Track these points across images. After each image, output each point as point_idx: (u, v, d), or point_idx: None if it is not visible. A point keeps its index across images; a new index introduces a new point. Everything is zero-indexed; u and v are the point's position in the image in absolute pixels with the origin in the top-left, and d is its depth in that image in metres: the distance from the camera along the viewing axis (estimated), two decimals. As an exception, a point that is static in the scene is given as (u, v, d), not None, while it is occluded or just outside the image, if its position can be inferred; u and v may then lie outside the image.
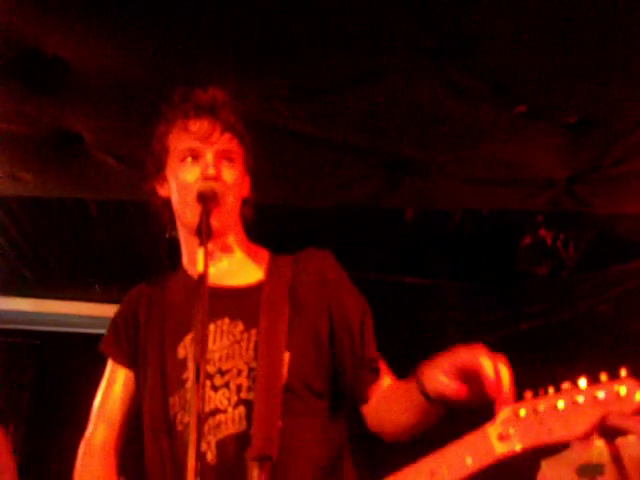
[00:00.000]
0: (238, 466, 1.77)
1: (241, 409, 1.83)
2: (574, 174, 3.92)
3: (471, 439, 1.47)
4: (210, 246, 1.92)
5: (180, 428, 1.87)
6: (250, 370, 1.87)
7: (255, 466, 1.74)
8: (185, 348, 1.95)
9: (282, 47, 2.94)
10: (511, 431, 1.39)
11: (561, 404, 1.34)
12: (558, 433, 1.34)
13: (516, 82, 3.20)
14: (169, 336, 2.00)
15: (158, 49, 2.99)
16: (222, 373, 1.88)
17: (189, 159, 1.97)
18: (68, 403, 5.20)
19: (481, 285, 4.84)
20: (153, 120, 2.09)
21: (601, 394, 1.30)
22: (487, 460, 1.43)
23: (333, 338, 1.95)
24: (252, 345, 1.89)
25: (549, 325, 4.65)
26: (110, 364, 2.14)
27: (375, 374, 1.93)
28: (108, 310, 5.27)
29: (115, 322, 2.16)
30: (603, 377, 1.32)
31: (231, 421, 1.83)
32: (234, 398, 1.85)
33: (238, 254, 2.07)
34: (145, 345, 2.03)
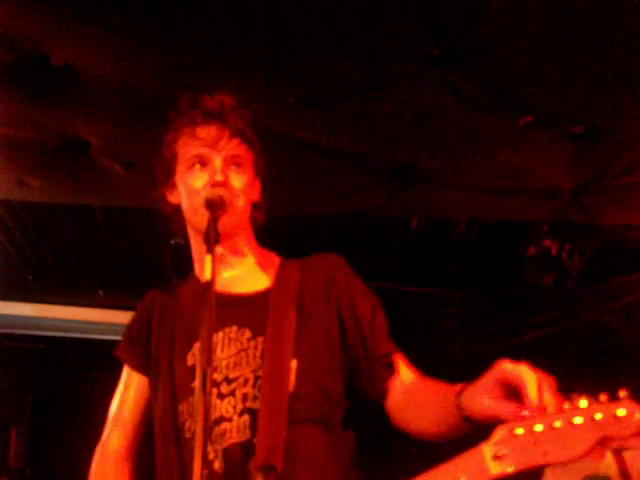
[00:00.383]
0: (245, 475, 1.76)
1: (246, 418, 1.82)
2: (579, 184, 3.92)
3: (466, 458, 1.42)
4: (220, 250, 1.95)
5: (188, 435, 1.87)
6: (256, 378, 1.85)
7: (259, 476, 1.73)
8: (194, 356, 1.95)
9: (288, 55, 2.95)
10: (505, 451, 1.34)
11: (558, 424, 1.30)
12: (553, 455, 1.30)
13: (522, 92, 3.20)
14: (179, 343, 1.99)
15: (165, 56, 2.99)
16: (229, 381, 1.87)
17: (197, 166, 1.97)
18: (70, 408, 5.21)
19: (486, 295, 4.83)
20: (160, 126, 2.09)
21: (599, 415, 1.27)
22: None
23: (345, 339, 1.92)
24: (259, 353, 1.88)
25: (554, 335, 4.64)
26: (126, 369, 2.14)
27: (389, 369, 1.88)
28: (111, 316, 5.33)
29: (129, 328, 2.17)
30: (602, 397, 1.29)
31: (236, 429, 1.82)
32: (239, 406, 1.84)
33: (248, 260, 2.07)
34: (157, 352, 2.03)
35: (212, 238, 1.70)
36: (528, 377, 1.42)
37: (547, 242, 4.57)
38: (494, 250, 4.65)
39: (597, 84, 3.10)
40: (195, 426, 1.83)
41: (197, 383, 1.53)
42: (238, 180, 1.97)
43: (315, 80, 3.11)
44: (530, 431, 1.32)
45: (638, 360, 4.40)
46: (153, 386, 2.02)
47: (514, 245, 4.65)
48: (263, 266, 2.07)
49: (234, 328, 1.93)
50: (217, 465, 1.81)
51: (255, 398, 1.83)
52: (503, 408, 1.45)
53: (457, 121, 3.39)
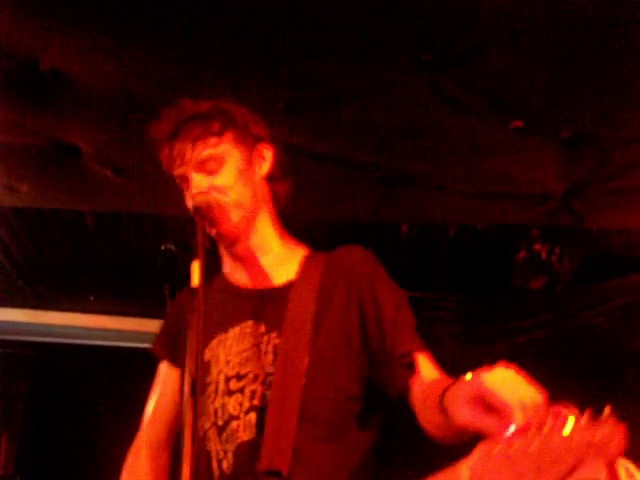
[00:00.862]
0: (252, 476, 1.72)
1: (252, 416, 1.78)
2: (569, 189, 3.93)
3: (444, 478, 1.36)
4: (235, 250, 1.96)
5: (201, 434, 1.83)
6: (266, 375, 1.81)
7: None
8: (211, 351, 1.92)
9: (279, 60, 2.95)
10: (483, 473, 1.24)
11: (534, 447, 1.20)
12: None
13: (512, 97, 3.20)
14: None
15: (155, 62, 2.99)
16: (239, 377, 1.84)
17: (184, 185, 1.97)
18: (63, 414, 5.20)
19: (476, 299, 4.84)
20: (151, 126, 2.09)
21: (576, 440, 1.17)
22: None
23: (365, 336, 1.85)
24: (271, 349, 1.83)
25: (544, 338, 4.66)
26: (161, 366, 2.12)
27: (409, 370, 1.78)
28: (102, 321, 5.32)
29: (163, 325, 2.17)
30: (584, 419, 1.19)
31: (242, 428, 1.78)
32: (246, 404, 1.80)
33: (271, 253, 2.01)
34: (184, 346, 2.02)
35: (200, 246, 1.68)
36: (507, 399, 1.29)
37: (537, 246, 4.59)
38: (484, 254, 4.66)
39: (586, 89, 3.11)
40: (207, 424, 1.83)
41: (186, 389, 1.54)
42: (219, 179, 1.93)
43: (305, 86, 3.11)
44: (507, 453, 1.22)
45: (627, 363, 4.42)
46: (180, 381, 1.98)
47: (504, 249, 4.66)
48: (287, 259, 2.01)
49: (250, 323, 1.90)
50: (225, 465, 1.78)
51: (263, 396, 1.79)
52: (483, 422, 1.34)
53: (447, 126, 3.40)
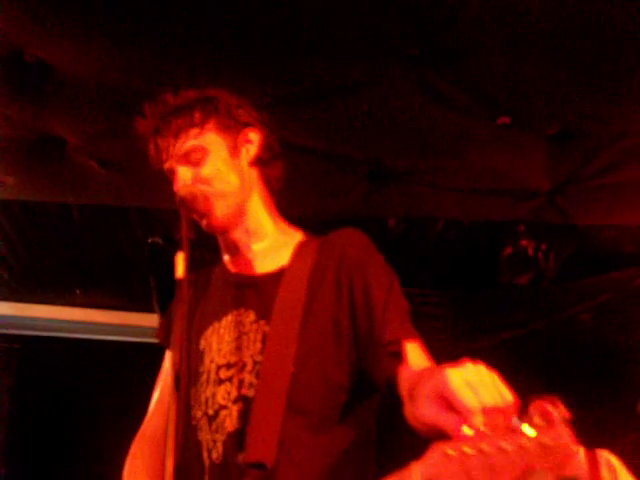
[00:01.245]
0: (239, 466, 1.70)
1: (240, 405, 1.76)
2: (555, 185, 3.94)
3: None
4: (227, 239, 1.96)
5: (194, 423, 1.83)
6: (255, 364, 1.78)
7: (247, 471, 1.67)
8: (205, 340, 1.91)
9: (265, 55, 2.94)
10: (436, 475, 1.18)
11: (486, 448, 1.15)
12: None
13: (500, 93, 3.21)
14: (196, 325, 1.95)
15: (141, 53, 2.98)
16: (229, 366, 1.82)
17: (173, 178, 1.96)
18: (48, 408, 5.18)
19: (463, 294, 4.85)
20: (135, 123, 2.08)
21: (527, 443, 1.12)
22: None
23: (355, 322, 1.79)
24: (259, 337, 1.81)
25: (530, 334, 4.67)
26: (167, 354, 2.09)
27: (396, 359, 1.71)
28: (89, 315, 5.30)
29: (166, 314, 2.11)
30: (536, 419, 1.13)
31: (229, 417, 1.76)
32: (234, 393, 1.78)
33: (264, 240, 1.99)
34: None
35: (184, 238, 1.67)
36: (467, 401, 1.23)
37: (524, 242, 4.60)
38: (471, 250, 4.67)
39: (573, 85, 3.12)
40: (200, 413, 1.82)
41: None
42: (203, 170, 1.92)
43: (292, 80, 3.11)
44: (461, 453, 1.17)
45: (613, 358, 4.44)
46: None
47: (491, 245, 4.67)
48: (282, 244, 1.98)
49: (241, 311, 1.88)
50: (215, 455, 1.76)
51: (251, 385, 1.77)
52: (441, 419, 1.28)
53: (435, 122, 3.40)
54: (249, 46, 2.90)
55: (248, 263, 1.98)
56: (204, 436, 1.81)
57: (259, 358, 1.78)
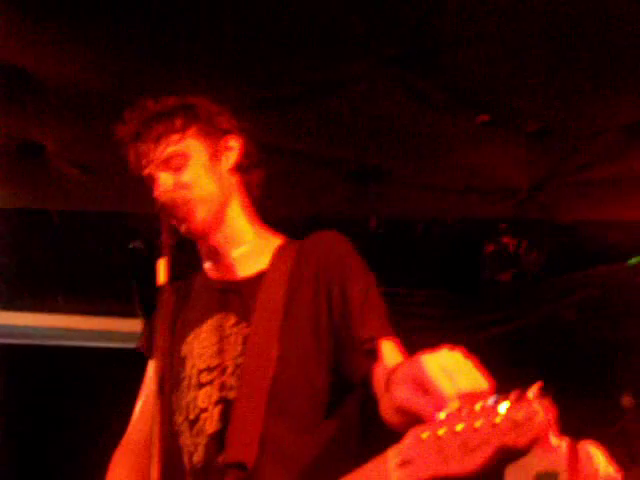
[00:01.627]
0: (221, 468, 1.70)
1: (220, 407, 1.77)
2: (536, 182, 3.96)
3: (371, 468, 1.30)
4: (206, 245, 1.96)
5: (175, 429, 1.83)
6: (236, 367, 1.79)
7: (228, 472, 1.68)
8: (187, 346, 1.91)
9: (245, 57, 2.94)
10: (411, 458, 1.20)
11: (459, 428, 1.16)
12: (452, 465, 1.15)
13: (478, 91, 3.22)
14: (178, 332, 1.95)
15: (122, 58, 2.97)
16: (210, 370, 1.82)
17: (153, 185, 1.95)
18: (32, 416, 5.15)
19: (447, 292, 4.87)
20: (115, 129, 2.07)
21: (498, 419, 1.13)
22: None
23: (332, 323, 1.80)
24: (240, 340, 1.82)
25: (513, 331, 4.69)
26: (150, 363, 2.09)
27: (371, 357, 1.71)
28: (71, 321, 5.27)
29: (149, 322, 2.10)
30: (511, 397, 1.14)
31: (210, 420, 1.77)
32: (215, 396, 1.79)
33: (243, 245, 1.99)
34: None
35: (165, 243, 1.67)
36: (443, 388, 1.25)
37: (505, 239, 4.62)
38: (453, 248, 4.69)
39: (552, 82, 3.14)
40: (181, 419, 1.82)
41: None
42: (184, 175, 1.92)
43: (272, 82, 3.11)
44: (435, 435, 1.18)
45: (596, 353, 4.47)
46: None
47: (473, 243, 4.69)
48: (261, 249, 1.98)
49: (221, 315, 1.89)
50: (196, 459, 1.77)
51: (231, 388, 1.77)
52: (418, 404, 1.31)
53: (414, 121, 3.41)
54: (229, 49, 2.89)
55: (229, 268, 1.98)
56: (185, 441, 1.82)
57: (240, 360, 1.80)
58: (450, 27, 2.81)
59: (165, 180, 1.91)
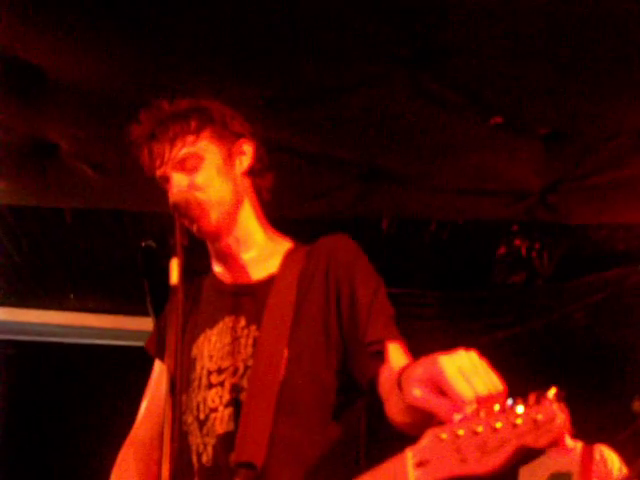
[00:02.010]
0: (230, 468, 1.72)
1: (230, 409, 1.78)
2: (548, 185, 3.95)
3: (390, 465, 1.31)
4: (217, 247, 1.97)
5: (185, 428, 1.85)
6: (246, 368, 1.81)
7: (237, 472, 1.69)
8: (197, 348, 1.93)
9: (258, 57, 2.95)
10: (429, 457, 1.22)
11: (480, 429, 1.17)
12: (470, 465, 1.17)
13: (492, 93, 3.22)
14: (189, 333, 1.97)
15: (134, 58, 2.98)
16: (220, 371, 1.84)
17: (166, 186, 1.96)
18: (43, 413, 5.17)
19: (458, 294, 4.86)
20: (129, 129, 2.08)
21: (519, 420, 1.14)
22: None
23: (341, 325, 1.82)
24: (250, 342, 1.84)
25: (524, 333, 4.68)
26: (156, 363, 2.11)
27: (378, 359, 1.74)
28: (82, 319, 5.29)
29: (158, 322, 2.13)
30: (531, 399, 1.15)
31: (220, 421, 1.79)
32: (226, 397, 1.80)
33: (254, 249, 2.00)
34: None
35: (178, 244, 1.67)
36: (461, 390, 1.26)
37: (517, 242, 4.61)
38: (465, 250, 4.68)
39: (565, 85, 3.13)
40: (191, 419, 1.84)
41: (165, 387, 1.52)
42: (198, 177, 1.92)
43: (284, 82, 3.11)
44: (454, 435, 1.20)
45: (606, 357, 4.46)
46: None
47: (485, 245, 4.68)
48: (271, 253, 1.99)
49: (232, 318, 1.90)
50: (205, 458, 1.79)
51: (242, 389, 1.79)
52: (433, 403, 1.31)
53: (427, 122, 3.41)
54: (241, 50, 2.90)
55: (240, 271, 1.99)
56: (194, 440, 1.83)
57: (250, 362, 1.81)
58: (464, 29, 2.80)
59: (179, 181, 1.92)
